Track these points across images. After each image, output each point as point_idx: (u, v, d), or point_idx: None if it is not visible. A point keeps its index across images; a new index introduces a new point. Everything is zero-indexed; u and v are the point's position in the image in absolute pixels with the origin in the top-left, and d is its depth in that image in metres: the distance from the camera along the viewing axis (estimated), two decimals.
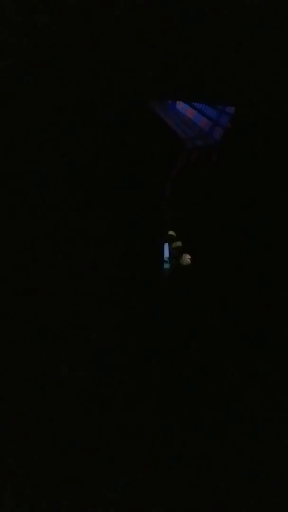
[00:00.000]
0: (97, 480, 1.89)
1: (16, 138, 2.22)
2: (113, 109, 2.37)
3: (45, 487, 1.85)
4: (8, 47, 2.07)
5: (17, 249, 2.21)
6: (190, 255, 2.39)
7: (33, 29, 2.06)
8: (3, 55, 2.08)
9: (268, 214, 2.38)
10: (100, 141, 2.39)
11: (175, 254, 2.41)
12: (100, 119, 2.36)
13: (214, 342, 2.27)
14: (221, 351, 2.25)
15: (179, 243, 2.42)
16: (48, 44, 2.13)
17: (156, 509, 1.85)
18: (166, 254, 2.42)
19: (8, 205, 2.23)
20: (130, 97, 2.37)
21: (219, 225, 2.42)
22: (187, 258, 2.39)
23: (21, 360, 2.09)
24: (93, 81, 2.29)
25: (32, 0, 1.98)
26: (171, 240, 2.44)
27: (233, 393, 2.13)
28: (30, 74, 2.15)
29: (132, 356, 2.20)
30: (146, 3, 2.07)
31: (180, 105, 2.44)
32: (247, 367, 2.21)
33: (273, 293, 2.32)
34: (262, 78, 2.27)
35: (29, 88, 2.16)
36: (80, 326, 2.18)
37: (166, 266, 2.41)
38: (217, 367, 2.20)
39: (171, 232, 2.44)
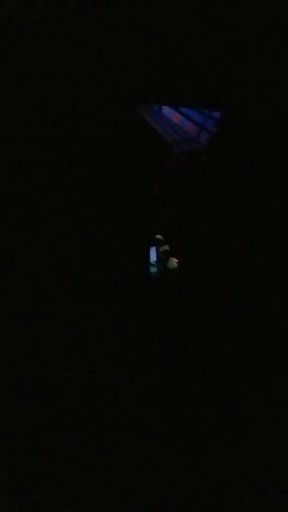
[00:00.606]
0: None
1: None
2: (101, 114, 2.38)
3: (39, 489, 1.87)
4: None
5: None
6: (177, 258, 2.41)
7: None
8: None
9: (254, 216, 2.40)
10: (88, 146, 2.40)
11: (163, 258, 2.43)
12: (88, 125, 2.38)
13: (201, 344, 2.29)
14: (208, 352, 2.27)
15: (166, 247, 2.44)
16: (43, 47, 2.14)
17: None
18: (154, 257, 2.44)
19: None
20: (118, 103, 2.39)
21: (207, 228, 2.44)
22: (174, 261, 2.40)
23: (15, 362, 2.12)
24: (80, 86, 2.30)
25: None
26: (158, 243, 2.46)
27: (219, 392, 2.15)
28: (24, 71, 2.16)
29: (118, 357, 2.22)
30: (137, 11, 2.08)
31: (167, 110, 2.45)
32: (234, 367, 2.23)
33: (260, 294, 2.34)
34: (250, 84, 2.28)
35: (20, 85, 2.18)
36: (64, 329, 2.21)
37: (153, 269, 2.43)
38: (205, 368, 2.22)
39: (158, 236, 2.46)
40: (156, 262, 2.43)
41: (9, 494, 1.87)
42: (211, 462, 1.99)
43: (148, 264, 2.41)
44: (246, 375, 2.18)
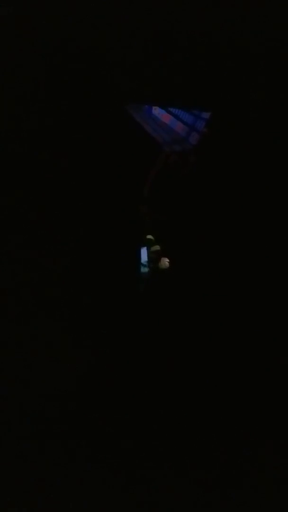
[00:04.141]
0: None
1: None
2: (91, 114, 2.37)
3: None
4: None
5: None
6: (168, 258, 2.38)
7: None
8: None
9: (246, 216, 2.40)
10: (78, 146, 2.38)
11: (154, 258, 2.39)
12: (78, 124, 2.36)
13: (193, 346, 2.23)
14: (200, 355, 2.21)
15: (157, 247, 2.41)
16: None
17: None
18: (145, 258, 2.40)
19: None
20: (108, 102, 2.39)
21: (197, 228, 2.42)
22: (165, 261, 2.37)
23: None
24: (70, 85, 2.29)
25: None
26: (149, 244, 2.42)
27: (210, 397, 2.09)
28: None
29: (108, 361, 2.15)
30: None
31: (156, 111, 2.47)
32: (229, 371, 2.18)
33: (252, 295, 2.32)
34: (239, 83, 2.32)
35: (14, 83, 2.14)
36: (52, 330, 2.12)
37: (144, 270, 2.38)
38: (197, 371, 2.17)
39: (149, 236, 2.42)
40: (147, 262, 2.39)
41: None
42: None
43: (139, 264, 2.36)
44: (242, 379, 2.13)
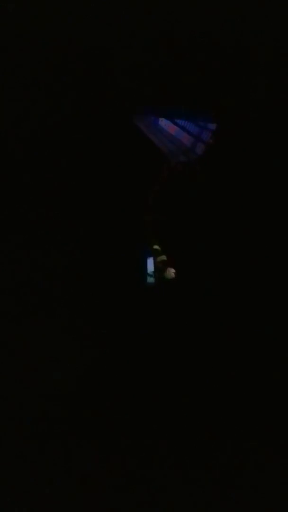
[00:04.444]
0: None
1: None
2: (98, 125, 2.40)
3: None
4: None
5: None
6: (174, 269, 2.40)
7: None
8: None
9: (252, 226, 2.41)
10: (84, 156, 2.41)
11: (160, 268, 2.41)
12: (85, 134, 2.38)
13: (198, 354, 2.26)
14: (205, 363, 2.23)
15: (164, 257, 2.43)
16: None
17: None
18: (151, 268, 2.43)
19: None
20: (115, 113, 2.41)
21: (203, 238, 2.44)
22: (171, 272, 2.39)
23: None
24: (77, 95, 2.31)
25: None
26: (156, 254, 2.45)
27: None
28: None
29: (113, 370, 2.17)
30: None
31: (163, 122, 2.49)
32: (232, 382, 2.20)
33: (256, 305, 2.33)
34: (244, 94, 2.33)
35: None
36: (57, 339, 2.16)
37: (151, 279, 2.41)
38: (201, 379, 2.19)
39: (156, 246, 2.44)
40: (153, 272, 2.41)
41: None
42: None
43: (145, 274, 2.39)
44: (244, 391, 2.14)
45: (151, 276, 2.42)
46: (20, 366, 2.10)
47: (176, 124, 2.45)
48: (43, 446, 1.92)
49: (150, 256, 2.45)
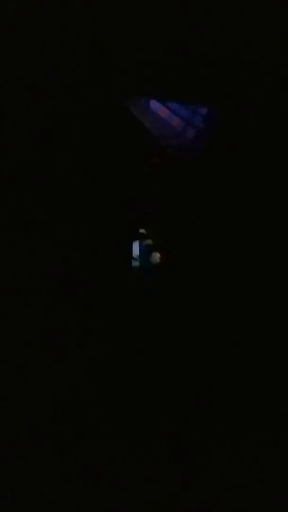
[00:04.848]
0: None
1: None
2: (89, 106, 2.36)
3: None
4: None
5: None
6: (160, 253, 2.38)
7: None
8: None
9: (242, 212, 2.40)
10: (74, 138, 2.36)
11: (146, 252, 2.38)
12: (74, 116, 2.34)
13: (184, 341, 2.24)
14: (190, 349, 2.22)
15: (149, 241, 2.40)
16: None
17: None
18: (136, 252, 2.40)
19: None
20: (106, 95, 2.37)
21: (190, 223, 2.42)
22: (156, 256, 2.37)
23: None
24: (68, 79, 2.27)
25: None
26: (142, 238, 2.42)
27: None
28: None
29: (100, 355, 2.15)
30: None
31: (153, 104, 2.45)
32: (224, 372, 2.18)
33: (247, 293, 2.32)
34: (238, 80, 2.31)
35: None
36: (41, 326, 2.11)
37: (136, 263, 2.38)
38: (191, 369, 2.18)
39: (142, 230, 2.42)
40: (138, 256, 2.39)
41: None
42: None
43: (131, 258, 2.36)
44: (242, 377, 2.13)
45: (136, 260, 2.39)
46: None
47: (167, 107, 2.42)
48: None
49: (136, 240, 2.42)
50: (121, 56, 2.24)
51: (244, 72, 2.28)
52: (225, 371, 2.19)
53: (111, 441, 1.96)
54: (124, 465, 1.90)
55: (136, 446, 1.96)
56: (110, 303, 2.28)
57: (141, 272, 2.38)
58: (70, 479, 1.83)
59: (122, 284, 2.34)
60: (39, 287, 2.21)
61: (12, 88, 2.17)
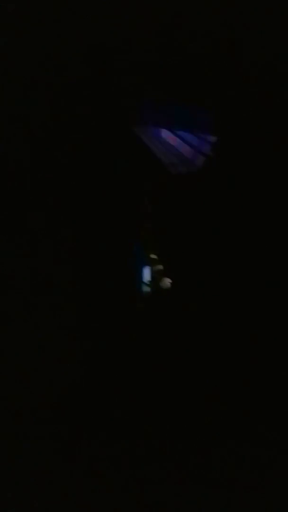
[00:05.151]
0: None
1: None
2: (98, 132, 2.43)
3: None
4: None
5: None
6: (170, 279, 2.40)
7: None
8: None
9: (251, 238, 2.41)
10: (83, 162, 2.43)
11: (156, 278, 2.41)
12: (84, 142, 2.42)
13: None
14: (202, 376, 2.21)
15: (160, 267, 2.43)
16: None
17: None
18: (147, 277, 2.43)
19: None
20: (116, 121, 2.44)
21: (201, 249, 2.44)
22: (167, 281, 2.39)
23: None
24: (78, 103, 2.35)
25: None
26: (153, 263, 2.45)
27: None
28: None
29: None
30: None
31: (164, 133, 2.52)
32: (231, 396, 2.16)
33: (256, 316, 2.31)
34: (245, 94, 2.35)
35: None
36: (50, 349, 2.15)
37: (146, 289, 2.41)
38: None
39: (153, 256, 2.45)
40: (149, 281, 2.42)
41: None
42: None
43: (141, 283, 2.40)
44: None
45: (147, 285, 2.42)
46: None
47: (176, 135, 2.48)
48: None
49: (146, 265, 2.45)
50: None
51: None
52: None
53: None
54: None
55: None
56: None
57: (152, 296, 2.42)
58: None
59: (133, 307, 2.37)
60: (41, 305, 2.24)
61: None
